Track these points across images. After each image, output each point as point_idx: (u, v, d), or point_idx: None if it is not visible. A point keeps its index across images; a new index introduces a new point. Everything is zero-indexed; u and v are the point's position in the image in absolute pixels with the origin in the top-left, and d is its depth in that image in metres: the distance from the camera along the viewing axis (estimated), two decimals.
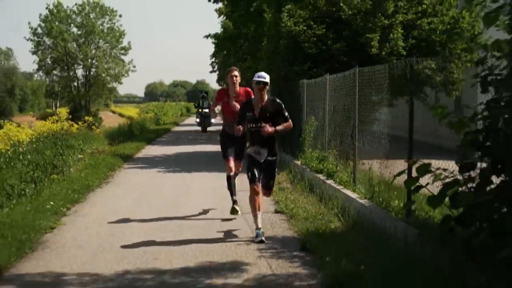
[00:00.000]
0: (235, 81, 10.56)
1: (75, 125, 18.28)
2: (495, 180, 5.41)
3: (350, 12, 16.69)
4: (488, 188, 5.44)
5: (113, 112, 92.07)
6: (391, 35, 16.26)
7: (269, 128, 8.77)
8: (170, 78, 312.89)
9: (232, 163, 10.33)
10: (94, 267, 7.29)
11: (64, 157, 15.61)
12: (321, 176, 12.31)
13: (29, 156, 13.14)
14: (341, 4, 16.76)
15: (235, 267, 7.30)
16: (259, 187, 9.02)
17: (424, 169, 5.81)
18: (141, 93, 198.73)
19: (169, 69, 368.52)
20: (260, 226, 8.76)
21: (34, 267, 7.36)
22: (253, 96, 9.72)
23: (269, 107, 9.02)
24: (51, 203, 11.00)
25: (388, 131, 9.56)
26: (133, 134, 31.43)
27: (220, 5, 33.64)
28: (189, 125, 50.07)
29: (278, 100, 9.22)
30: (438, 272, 5.74)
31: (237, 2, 27.85)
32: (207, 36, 35.38)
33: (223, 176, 10.81)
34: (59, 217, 10.32)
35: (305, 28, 16.84)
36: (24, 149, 13.33)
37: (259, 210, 8.88)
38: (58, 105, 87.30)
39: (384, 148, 9.57)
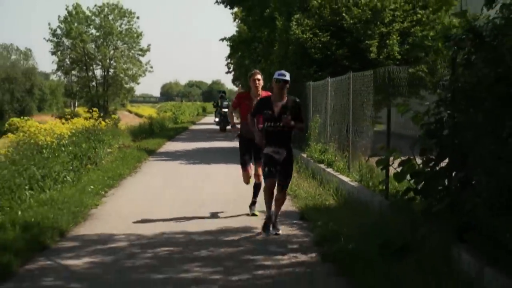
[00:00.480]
0: (257, 85, 10.58)
1: (103, 122, 20.26)
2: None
3: (351, 21, 18.69)
4: (437, 167, 7.48)
5: (130, 111, 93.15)
6: (388, 41, 18.27)
7: (289, 121, 8.81)
8: (186, 78, 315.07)
9: (249, 173, 10.67)
10: (136, 230, 9.40)
11: (96, 150, 17.74)
12: (322, 165, 14.41)
13: (70, 148, 15.29)
14: (344, 14, 18.79)
15: (247, 230, 9.40)
16: (275, 183, 9.02)
17: (391, 153, 7.93)
18: (156, 93, 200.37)
19: (184, 69, 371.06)
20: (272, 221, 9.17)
21: (88, 231, 9.48)
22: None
23: (289, 107, 8.98)
24: (91, 187, 13.11)
25: (374, 127, 11.62)
26: (153, 131, 33.71)
27: (236, 9, 35.57)
28: (205, 124, 52.17)
29: (298, 100, 9.31)
30: (399, 229, 7.77)
31: (251, 7, 29.83)
32: (222, 39, 37.29)
33: (239, 167, 11.08)
34: (99, 198, 12.43)
35: (311, 35, 18.88)
36: (66, 141, 15.46)
37: (276, 207, 9.20)
38: (76, 105, 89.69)
39: (370, 140, 11.64)
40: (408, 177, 7.60)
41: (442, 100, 7.50)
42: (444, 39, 7.23)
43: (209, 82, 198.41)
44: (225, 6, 32.33)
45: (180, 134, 36.80)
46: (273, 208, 9.21)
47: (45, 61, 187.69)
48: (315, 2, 19.24)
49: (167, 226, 9.70)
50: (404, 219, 7.79)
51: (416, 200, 7.69)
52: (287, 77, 9.01)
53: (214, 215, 10.60)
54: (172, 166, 18.65)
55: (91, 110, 21.32)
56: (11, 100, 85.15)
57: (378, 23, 18.60)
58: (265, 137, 9.13)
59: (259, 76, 10.65)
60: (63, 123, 17.77)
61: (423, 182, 7.49)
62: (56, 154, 14.24)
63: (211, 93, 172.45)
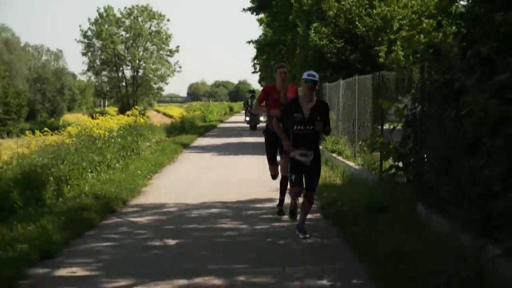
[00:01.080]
0: (283, 77, 10.55)
1: (142, 119, 23.03)
2: None
3: (363, 29, 21.35)
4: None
5: (157, 111, 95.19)
6: (394, 47, 20.91)
7: (322, 125, 8.83)
8: (212, 78, 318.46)
9: (276, 167, 10.83)
10: (182, 201, 12.13)
11: (138, 143, 20.55)
12: (334, 154, 17.07)
13: (119, 139, 18.10)
14: (357, 23, 21.44)
15: (270, 200, 12.01)
16: (302, 191, 9.02)
17: (377, 137, 10.70)
18: (183, 93, 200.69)
19: (211, 69, 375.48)
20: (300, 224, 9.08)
21: (144, 201, 12.27)
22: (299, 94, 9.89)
23: (319, 109, 8.91)
24: (139, 172, 15.88)
25: (372, 120, 14.30)
26: (184, 128, 36.64)
27: (261, 15, 38.27)
28: (233, 122, 55.05)
29: (327, 102, 9.54)
30: (382, 195, 10.41)
31: (275, 14, 32.56)
32: (249, 42, 40.11)
33: (264, 158, 11.37)
34: (147, 180, 15.19)
35: (328, 42, 21.58)
36: (115, 134, 18.24)
37: (303, 212, 9.10)
38: (106, 104, 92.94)
39: (370, 132, 14.34)
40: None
41: (416, 98, 10.19)
42: (413, 53, 9.93)
43: (235, 82, 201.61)
44: (252, 13, 35.05)
45: (210, 131, 39.79)
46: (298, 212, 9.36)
47: (72, 62, 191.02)
48: (331, 12, 21.93)
49: (206, 198, 12.42)
50: (387, 188, 10.48)
51: (396, 174, 10.38)
52: (317, 78, 8.90)
53: (243, 192, 13.27)
54: (204, 157, 21.47)
55: (119, 110, 24.03)
56: (43, 99, 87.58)
57: (387, 30, 21.22)
58: (293, 139, 8.95)
59: (284, 69, 10.66)
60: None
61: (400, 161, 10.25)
62: (107, 145, 17.02)
63: (238, 93, 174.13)
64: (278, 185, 10.83)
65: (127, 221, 10.30)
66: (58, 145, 14.35)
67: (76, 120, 47.45)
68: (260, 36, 41.11)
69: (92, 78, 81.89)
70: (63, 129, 17.95)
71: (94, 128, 17.11)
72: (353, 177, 13.65)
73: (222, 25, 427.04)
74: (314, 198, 9.41)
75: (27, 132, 15.66)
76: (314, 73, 8.97)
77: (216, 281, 6.72)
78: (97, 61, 78.69)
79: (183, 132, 33.68)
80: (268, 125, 10.60)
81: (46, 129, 15.46)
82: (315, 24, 22.34)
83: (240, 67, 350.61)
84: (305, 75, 8.90)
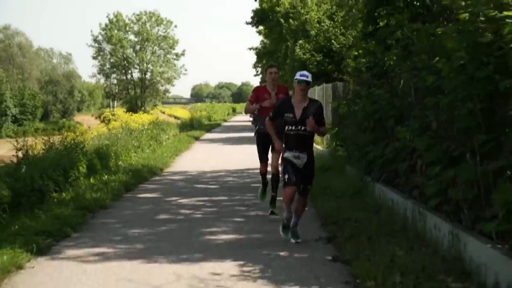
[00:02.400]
0: (273, 77, 10.63)
1: (160, 117, 29.40)
2: None
3: (338, 46, 27.54)
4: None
5: (163, 112, 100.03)
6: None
7: (314, 124, 8.44)
8: (216, 80, 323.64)
9: (266, 167, 11.03)
10: (199, 169, 18.39)
11: (161, 135, 26.85)
12: None
13: (148, 131, 24.41)
14: (333, 41, 27.64)
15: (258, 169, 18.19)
16: (294, 192, 8.56)
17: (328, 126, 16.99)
18: (187, 94, 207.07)
19: (215, 71, 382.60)
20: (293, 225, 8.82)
21: (174, 170, 18.61)
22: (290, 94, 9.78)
23: (311, 110, 8.61)
24: (165, 154, 22.11)
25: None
26: (193, 126, 43.08)
27: (260, 27, 44.41)
28: (235, 121, 62.05)
29: (319, 102, 9.14)
30: (328, 163, 16.60)
31: (272, 27, 38.71)
32: (250, 49, 46.64)
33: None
34: (172, 159, 21.43)
35: (309, 56, 27.75)
36: (146, 127, 24.59)
37: (296, 215, 8.76)
38: (115, 106, 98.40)
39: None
40: None
41: (351, 99, 16.35)
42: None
43: (238, 83, 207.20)
44: (252, 26, 41.24)
45: (215, 128, 46.73)
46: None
47: (80, 65, 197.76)
48: (313, 32, 28.10)
49: (216, 168, 18.72)
50: (332, 157, 16.72)
51: (337, 149, 16.61)
52: (309, 78, 8.62)
53: (240, 165, 19.31)
54: (213, 146, 27.94)
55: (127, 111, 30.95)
56: (54, 101, 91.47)
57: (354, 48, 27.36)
58: (285, 140, 8.75)
59: (274, 69, 10.75)
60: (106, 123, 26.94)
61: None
62: (141, 135, 23.30)
63: (241, 95, 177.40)
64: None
65: (166, 178, 16.61)
66: (110, 133, 20.58)
67: (87, 121, 53.53)
68: (260, 44, 47.21)
69: (102, 80, 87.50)
70: (78, 127, 24.24)
71: (132, 122, 23.43)
72: (318, 155, 19.73)
73: (226, 29, 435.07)
74: (307, 202, 9.19)
75: (80, 126, 21.94)
76: (307, 73, 8.71)
77: (221, 197, 13.02)
78: (107, 64, 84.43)
79: (193, 129, 40.13)
80: (259, 126, 10.68)
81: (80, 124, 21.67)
82: (300, 41, 28.50)
83: (243, 68, 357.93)
84: (297, 75, 8.63)
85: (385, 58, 11.89)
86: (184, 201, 12.69)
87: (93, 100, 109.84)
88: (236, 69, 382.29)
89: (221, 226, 9.92)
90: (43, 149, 15.29)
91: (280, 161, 9.50)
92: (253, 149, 12.47)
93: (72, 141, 16.12)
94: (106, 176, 14.66)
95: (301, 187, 8.58)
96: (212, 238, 9.11)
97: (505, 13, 6.55)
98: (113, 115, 58.98)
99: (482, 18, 6.86)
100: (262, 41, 48.43)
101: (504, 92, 6.38)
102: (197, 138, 32.24)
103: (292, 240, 8.66)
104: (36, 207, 10.81)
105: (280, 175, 9.56)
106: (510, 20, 6.49)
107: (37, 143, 15.68)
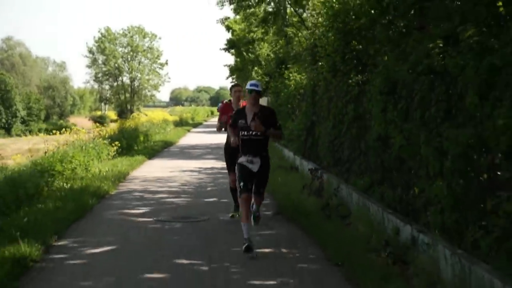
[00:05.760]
0: (238, 96, 11.81)
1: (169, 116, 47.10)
2: None
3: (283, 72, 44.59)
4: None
5: (146, 115, 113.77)
6: None
7: (259, 124, 8.99)
8: (195, 84, 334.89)
9: (234, 178, 10.69)
10: (192, 143, 35.79)
11: (164, 129, 44.00)
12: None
13: (159, 125, 41.62)
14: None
15: None
16: (250, 198, 9.18)
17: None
18: (166, 97, 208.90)
19: (193, 75, 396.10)
20: (247, 236, 8.91)
21: (179, 144, 36.15)
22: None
23: (262, 115, 9.15)
24: (171, 138, 39.10)
25: None
26: (183, 124, 60.53)
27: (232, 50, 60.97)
28: (213, 122, 78.84)
29: (271, 108, 10.01)
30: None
31: (240, 53, 55.28)
32: (225, 65, 63.34)
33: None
34: (177, 140, 38.59)
35: (261, 78, 44.55)
36: (158, 122, 41.88)
37: (247, 220, 9.02)
38: (107, 109, 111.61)
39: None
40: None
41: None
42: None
43: (216, 87, 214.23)
44: (225, 51, 57.71)
45: (198, 126, 65.46)
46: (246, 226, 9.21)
47: (70, 72, 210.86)
48: (263, 62, 44.90)
49: (201, 143, 35.77)
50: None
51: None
52: (259, 88, 9.32)
53: (215, 143, 34.75)
54: (199, 135, 45.85)
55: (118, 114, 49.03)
56: (53, 104, 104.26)
57: None
58: (240, 146, 9.31)
59: (238, 87, 12.03)
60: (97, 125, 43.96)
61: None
62: (154, 126, 40.38)
63: (219, 98, 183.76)
64: None
65: (178, 146, 33.75)
66: (136, 124, 37.40)
67: (80, 122, 67.89)
68: (231, 64, 63.28)
69: (95, 86, 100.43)
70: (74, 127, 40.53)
71: (153, 119, 40.67)
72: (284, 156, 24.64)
73: (204, 35, 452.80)
74: (263, 197, 9.71)
75: (112, 123, 39.20)
76: (257, 82, 9.47)
77: (208, 156, 30.05)
78: (100, 73, 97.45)
79: (182, 126, 57.49)
80: (228, 140, 11.08)
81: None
82: (256, 68, 45.15)
83: (221, 73, 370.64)
84: (248, 85, 9.30)
85: None
86: (192, 151, 29.65)
87: (83, 103, 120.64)
88: (215, 73, 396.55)
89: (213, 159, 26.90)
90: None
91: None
92: (222, 136, 13.18)
93: (131, 126, 32.77)
94: (152, 143, 31.71)
95: (254, 190, 9.16)
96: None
97: None
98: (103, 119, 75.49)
99: None
100: (234, 59, 63.84)
101: None
102: (188, 130, 50.10)
103: (253, 223, 9.35)
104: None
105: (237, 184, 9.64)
106: None
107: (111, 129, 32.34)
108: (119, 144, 23.84)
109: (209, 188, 16.47)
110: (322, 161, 15.39)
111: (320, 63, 15.33)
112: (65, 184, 15.37)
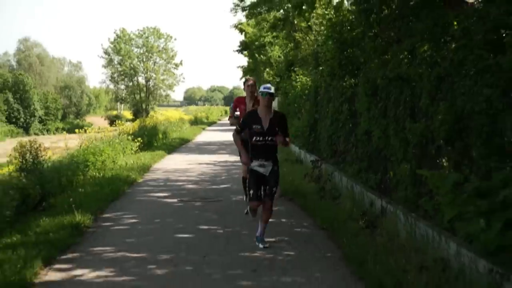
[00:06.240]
0: (251, 90, 11.94)
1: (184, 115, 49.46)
2: None
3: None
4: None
5: (162, 114, 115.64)
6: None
7: (283, 141, 9.33)
8: (208, 84, 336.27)
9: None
10: (207, 140, 38.10)
11: (180, 127, 46.38)
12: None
13: (176, 123, 43.99)
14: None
15: None
16: (259, 205, 9.42)
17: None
18: (180, 97, 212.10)
19: (207, 75, 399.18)
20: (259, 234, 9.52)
21: (195, 141, 38.46)
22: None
23: (277, 120, 9.30)
24: (188, 135, 41.49)
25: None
26: (197, 123, 62.97)
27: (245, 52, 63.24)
28: (227, 121, 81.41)
29: (281, 113, 9.88)
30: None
31: (252, 54, 57.54)
32: (238, 67, 65.48)
33: None
34: (193, 137, 41.01)
35: (272, 79, 46.79)
36: (176, 121, 44.27)
37: (263, 222, 9.44)
38: (122, 108, 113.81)
39: None
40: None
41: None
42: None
43: (230, 87, 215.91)
44: (238, 53, 60.04)
45: (212, 125, 67.72)
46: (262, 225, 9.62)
47: (87, 72, 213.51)
48: (274, 64, 47.14)
49: (215, 140, 38.19)
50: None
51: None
52: (272, 90, 9.34)
53: (229, 140, 38.15)
54: (213, 133, 48.12)
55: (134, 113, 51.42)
56: (69, 104, 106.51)
57: None
58: (252, 150, 9.38)
59: (251, 82, 12.13)
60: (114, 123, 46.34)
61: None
62: (171, 125, 42.75)
63: (232, 98, 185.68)
64: None
65: (195, 143, 36.10)
66: (155, 122, 39.68)
67: (96, 121, 69.63)
68: (244, 65, 65.60)
69: (111, 86, 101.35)
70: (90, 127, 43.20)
71: (170, 117, 43.03)
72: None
73: (218, 37, 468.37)
74: (273, 207, 9.60)
75: (132, 122, 41.61)
76: (270, 85, 9.42)
77: (222, 151, 32.34)
78: (116, 73, 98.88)
79: (197, 124, 59.92)
80: (236, 128, 10.67)
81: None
82: (267, 69, 47.42)
83: (235, 73, 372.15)
84: (261, 88, 9.31)
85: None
86: (207, 147, 32.08)
87: (98, 103, 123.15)
88: (229, 73, 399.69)
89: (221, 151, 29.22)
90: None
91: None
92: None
93: (151, 124, 35.10)
94: (170, 139, 34.10)
95: (266, 191, 9.29)
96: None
97: None
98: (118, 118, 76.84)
99: None
100: (247, 60, 66.31)
101: None
102: (203, 129, 52.52)
103: (261, 246, 9.27)
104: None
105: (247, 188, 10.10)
106: None
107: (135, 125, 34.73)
108: (141, 140, 26.07)
109: (223, 177, 18.83)
110: (323, 153, 17.50)
111: (321, 68, 17.48)
112: (97, 173, 17.66)
